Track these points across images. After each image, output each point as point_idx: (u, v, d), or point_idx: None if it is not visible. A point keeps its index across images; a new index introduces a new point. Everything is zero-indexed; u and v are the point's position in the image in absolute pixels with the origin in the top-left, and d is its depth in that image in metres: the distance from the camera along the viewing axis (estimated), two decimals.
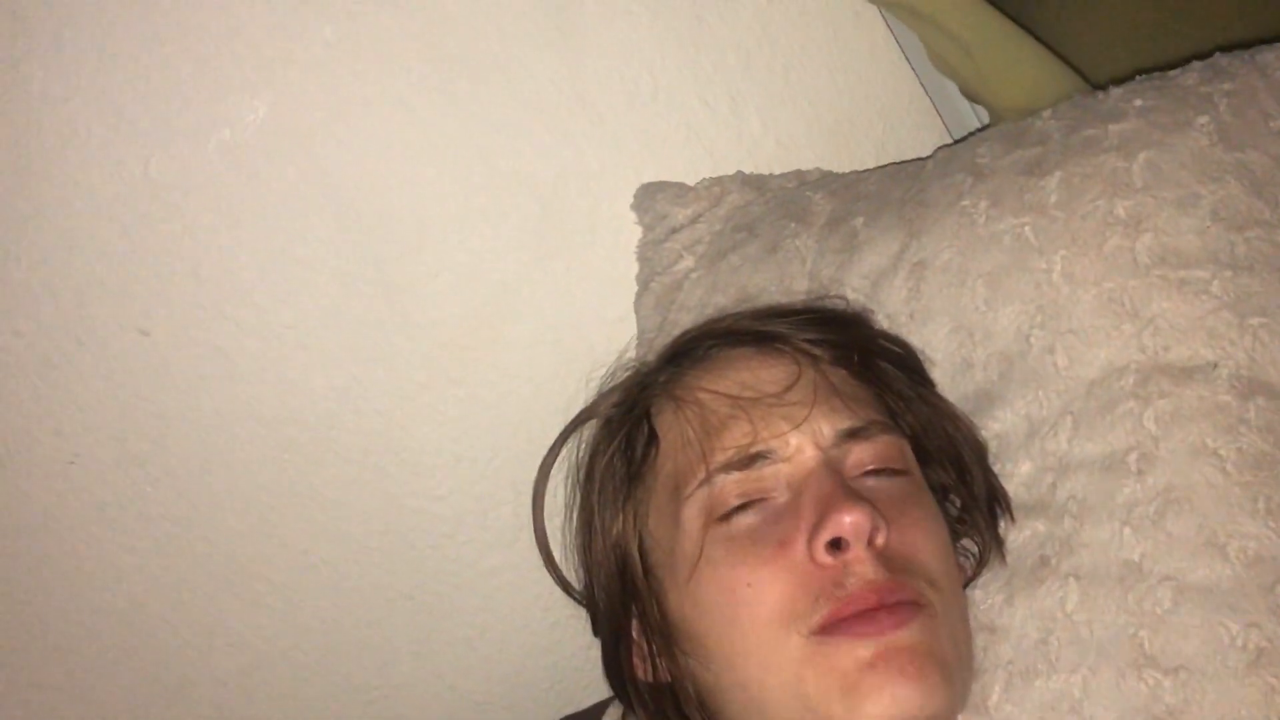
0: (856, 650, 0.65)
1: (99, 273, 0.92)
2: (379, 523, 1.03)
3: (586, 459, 0.84)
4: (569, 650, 1.08)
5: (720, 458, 0.72)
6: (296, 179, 0.94)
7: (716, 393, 0.75)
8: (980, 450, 0.79)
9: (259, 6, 0.91)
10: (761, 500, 0.71)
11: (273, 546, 1.01)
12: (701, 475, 0.72)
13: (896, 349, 0.82)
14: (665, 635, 0.75)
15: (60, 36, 0.87)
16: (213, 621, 1.02)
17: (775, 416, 0.72)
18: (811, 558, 0.67)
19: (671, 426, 0.76)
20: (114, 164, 0.90)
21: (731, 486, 0.71)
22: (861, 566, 0.66)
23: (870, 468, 0.72)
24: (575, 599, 0.87)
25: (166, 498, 0.98)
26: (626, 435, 0.80)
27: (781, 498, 0.71)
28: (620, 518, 0.78)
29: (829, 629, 0.65)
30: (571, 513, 0.85)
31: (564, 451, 0.89)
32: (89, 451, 0.95)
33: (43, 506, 0.96)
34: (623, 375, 0.87)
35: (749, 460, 0.71)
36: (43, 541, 0.96)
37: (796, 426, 0.71)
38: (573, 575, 0.87)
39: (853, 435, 0.72)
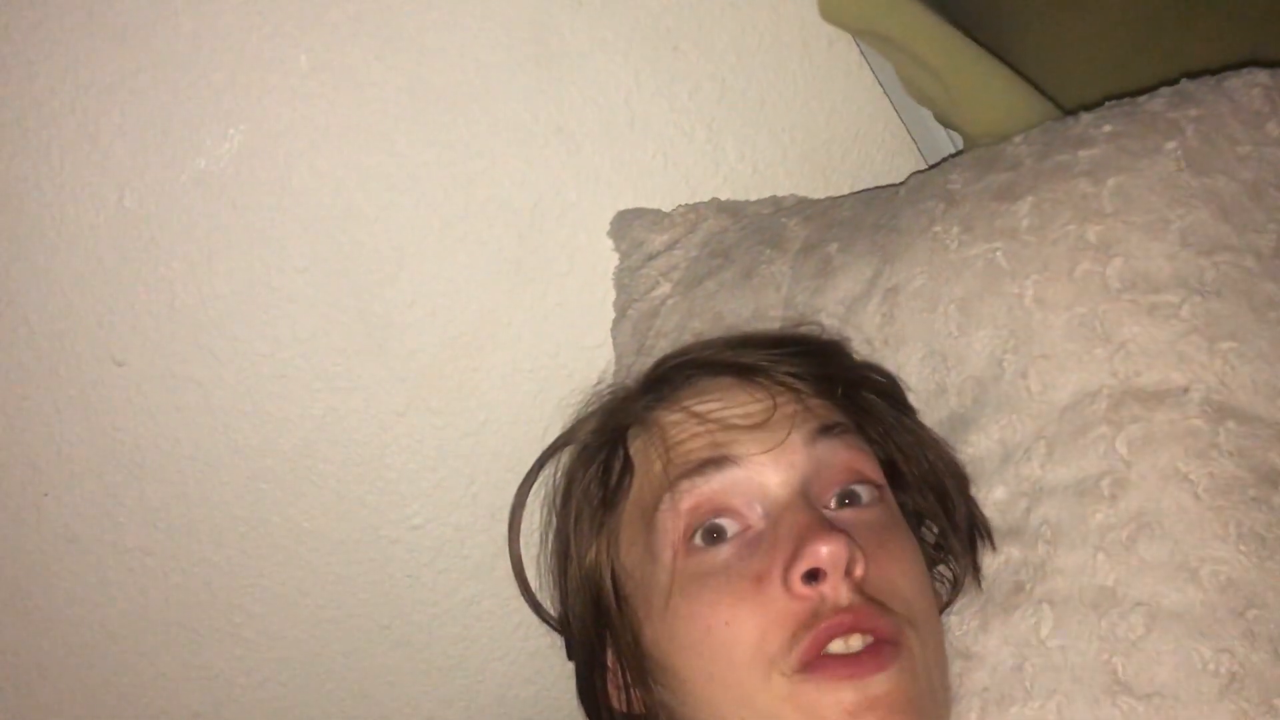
0: (838, 693, 0.64)
1: (74, 304, 0.92)
2: (356, 553, 1.02)
3: (563, 485, 0.83)
4: (548, 680, 1.07)
5: (680, 469, 0.71)
6: (272, 209, 0.94)
7: (687, 412, 0.74)
8: (962, 478, 0.78)
9: (234, 36, 0.91)
10: (735, 530, 0.70)
11: (248, 577, 1.00)
12: (663, 490, 0.71)
13: (878, 377, 0.81)
14: (640, 665, 0.74)
15: (34, 67, 0.87)
16: (188, 654, 1.01)
17: (742, 435, 0.71)
18: (787, 589, 0.66)
19: (642, 452, 0.76)
20: (89, 194, 0.90)
21: (697, 500, 0.70)
22: (837, 596, 0.65)
23: (844, 485, 0.71)
24: (551, 625, 0.86)
25: (141, 529, 0.97)
26: (603, 462, 0.79)
27: (757, 526, 0.70)
28: (595, 546, 0.77)
29: (810, 667, 0.65)
30: (547, 539, 0.85)
31: (541, 477, 0.89)
32: (63, 483, 0.95)
33: (16, 539, 0.95)
34: (600, 401, 0.86)
35: (705, 465, 0.70)
36: (15, 574, 0.96)
37: (767, 450, 0.71)
38: (549, 602, 0.87)
39: (824, 432, 0.72)
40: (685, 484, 0.71)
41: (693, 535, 0.70)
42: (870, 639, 0.65)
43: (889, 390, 0.80)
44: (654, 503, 0.72)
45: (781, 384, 0.75)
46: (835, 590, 0.65)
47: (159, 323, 0.94)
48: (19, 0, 0.86)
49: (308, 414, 0.99)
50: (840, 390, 0.76)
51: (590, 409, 0.86)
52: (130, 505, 0.97)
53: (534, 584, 0.89)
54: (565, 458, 0.86)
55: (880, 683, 0.64)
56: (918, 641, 0.67)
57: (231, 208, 0.94)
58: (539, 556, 0.87)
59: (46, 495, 0.95)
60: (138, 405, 0.95)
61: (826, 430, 0.72)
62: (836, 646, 0.65)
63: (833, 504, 0.71)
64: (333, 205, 0.96)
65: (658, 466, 0.73)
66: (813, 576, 0.66)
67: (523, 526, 0.89)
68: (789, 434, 0.71)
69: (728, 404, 0.74)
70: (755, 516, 0.70)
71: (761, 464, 0.70)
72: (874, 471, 0.74)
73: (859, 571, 0.66)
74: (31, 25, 0.87)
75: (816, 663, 0.65)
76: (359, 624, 1.04)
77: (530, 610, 0.89)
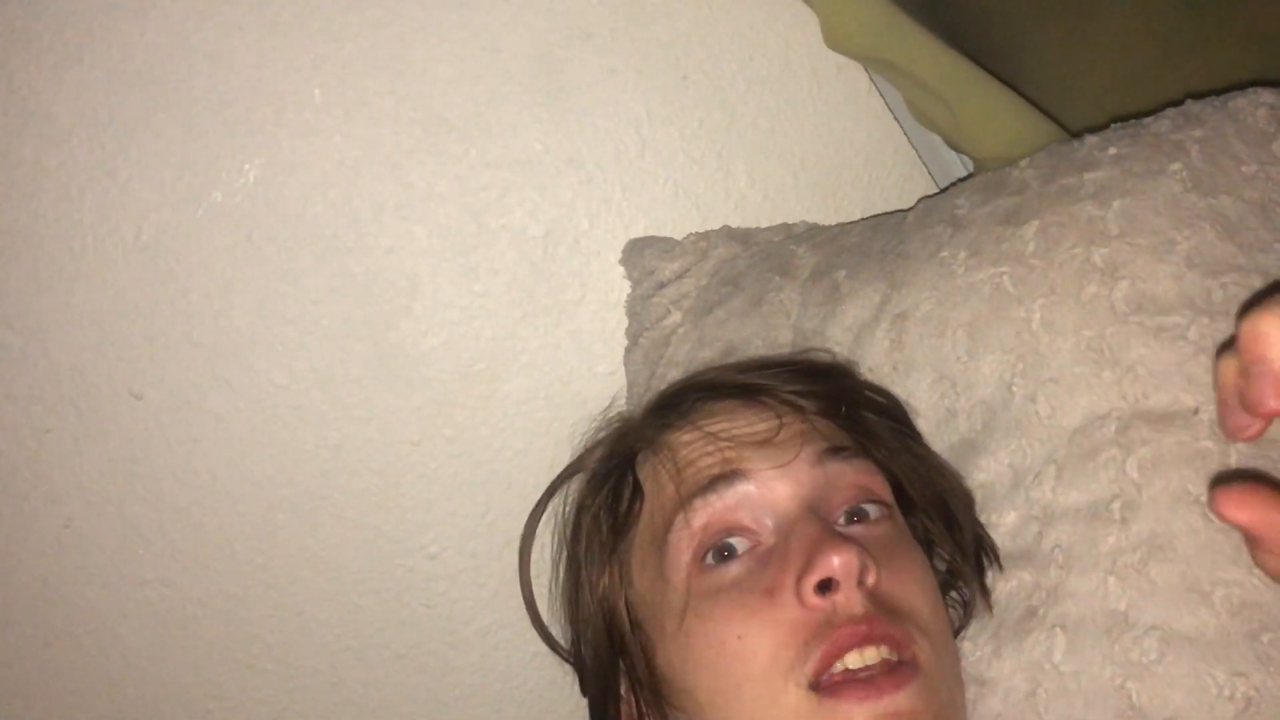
0: (855, 717, 0.63)
1: (92, 337, 0.93)
2: (372, 582, 1.03)
3: (573, 514, 0.83)
4: (566, 709, 1.07)
5: (691, 488, 0.71)
6: (288, 241, 0.96)
7: (696, 430, 0.74)
8: (968, 500, 0.78)
9: (249, 72, 0.92)
10: (745, 546, 0.70)
11: (266, 608, 1.01)
12: (675, 509, 0.71)
13: (882, 400, 0.81)
14: (654, 691, 0.74)
15: (54, 106, 0.89)
16: (207, 684, 1.01)
17: (751, 450, 0.72)
18: (800, 601, 0.66)
19: (652, 476, 0.76)
20: (107, 229, 0.92)
21: (709, 518, 0.70)
22: (850, 606, 0.65)
23: (854, 503, 0.71)
24: (562, 656, 0.86)
25: (160, 560, 0.98)
26: (612, 489, 0.79)
27: (767, 542, 0.70)
28: (606, 573, 0.77)
29: (830, 690, 0.64)
30: (559, 569, 0.85)
31: (552, 507, 0.89)
32: (83, 515, 0.96)
33: (37, 571, 0.96)
34: (608, 429, 0.87)
35: (716, 480, 0.71)
36: (37, 605, 0.97)
37: (776, 466, 0.71)
38: (560, 633, 0.87)
39: (832, 453, 0.72)
40: (698, 501, 0.71)
41: (705, 555, 0.70)
42: (885, 650, 0.65)
43: (893, 412, 0.80)
44: (666, 525, 0.72)
45: (786, 402, 0.75)
46: (849, 599, 0.65)
47: (176, 355, 0.95)
48: (39, 43, 0.88)
49: (324, 444, 1.00)
50: (844, 409, 0.76)
51: (598, 437, 0.86)
52: (149, 536, 0.98)
53: (546, 616, 0.89)
54: (575, 487, 0.86)
55: (898, 702, 0.64)
56: (932, 654, 0.67)
57: (248, 241, 0.95)
58: (550, 587, 0.87)
59: (67, 527, 0.96)
60: (155, 437, 0.96)
61: (835, 451, 0.72)
62: (853, 660, 0.65)
63: (841, 520, 0.71)
64: (347, 237, 0.97)
65: (669, 488, 0.73)
66: (825, 587, 0.65)
67: (534, 557, 0.90)
68: (798, 452, 0.71)
69: (734, 423, 0.74)
70: (765, 532, 0.70)
71: (771, 479, 0.71)
72: (882, 490, 0.74)
73: (871, 580, 0.66)
74: (52, 66, 0.89)
75: (836, 685, 0.64)
76: (376, 653, 1.04)
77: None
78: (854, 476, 0.72)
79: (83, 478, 0.96)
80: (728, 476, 0.71)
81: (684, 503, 0.71)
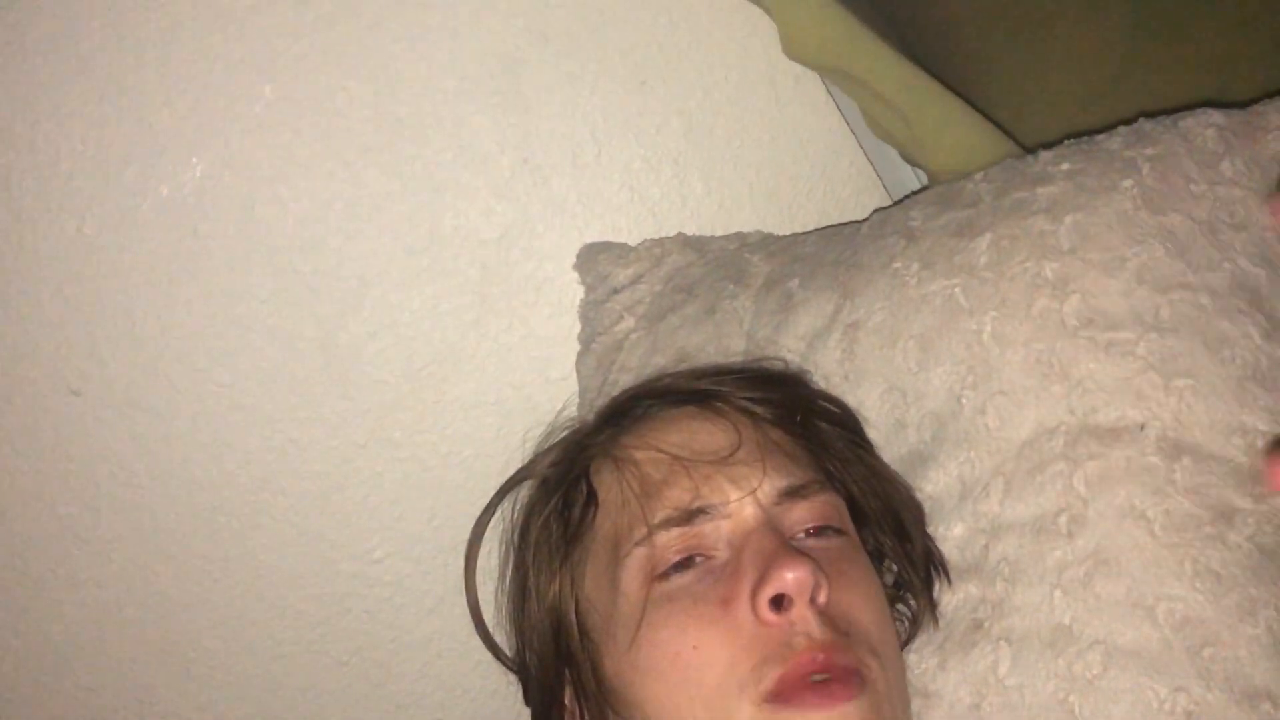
0: None
1: (30, 330, 0.91)
2: (314, 587, 1.01)
3: (522, 520, 0.82)
4: (507, 718, 1.06)
5: (661, 515, 0.71)
6: (235, 237, 0.94)
7: (658, 451, 0.74)
8: (918, 512, 0.78)
9: (199, 63, 0.91)
10: (702, 559, 0.69)
11: (205, 611, 0.99)
12: (641, 533, 0.71)
13: (835, 409, 0.81)
14: (600, 702, 0.73)
15: None
16: (141, 689, 0.99)
17: (719, 477, 0.71)
18: (755, 615, 0.66)
19: (610, 487, 0.75)
20: (48, 221, 0.90)
21: (671, 543, 0.70)
22: (807, 625, 0.65)
23: (809, 526, 0.71)
24: (507, 665, 0.85)
25: (95, 561, 0.96)
26: (564, 496, 0.78)
27: (722, 556, 0.69)
28: (556, 580, 0.76)
29: (781, 697, 0.64)
30: (506, 576, 0.84)
31: (500, 513, 0.88)
32: (15, 512, 0.94)
33: None
34: (560, 435, 0.86)
35: (689, 516, 0.70)
36: None
37: (742, 497, 0.70)
38: (505, 641, 0.85)
39: (793, 494, 0.72)
40: (663, 534, 0.70)
41: (662, 569, 0.70)
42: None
43: (846, 422, 0.80)
44: (627, 540, 0.72)
45: (741, 410, 0.74)
46: (804, 619, 0.65)
47: (117, 352, 0.93)
48: None
49: (268, 445, 0.98)
50: (798, 418, 0.76)
51: (549, 443, 0.86)
52: (84, 536, 0.95)
53: (491, 623, 0.88)
54: (524, 493, 0.85)
55: (848, 713, 0.64)
56: (881, 671, 0.67)
57: (194, 236, 0.93)
58: (496, 594, 0.86)
59: None
60: (94, 435, 0.94)
61: (801, 489, 0.72)
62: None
63: (800, 535, 0.71)
64: (296, 235, 0.95)
65: (634, 508, 0.72)
66: (779, 602, 0.65)
67: (480, 564, 0.88)
68: (763, 479, 0.71)
69: (693, 436, 0.74)
70: (722, 545, 0.70)
71: (736, 505, 0.71)
72: (839, 518, 0.74)
73: (823, 598, 0.66)
74: None
75: (788, 691, 0.64)
76: (316, 660, 1.02)
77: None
78: (813, 510, 0.72)
79: (16, 474, 0.93)
80: (705, 510, 0.70)
81: (651, 530, 0.71)
